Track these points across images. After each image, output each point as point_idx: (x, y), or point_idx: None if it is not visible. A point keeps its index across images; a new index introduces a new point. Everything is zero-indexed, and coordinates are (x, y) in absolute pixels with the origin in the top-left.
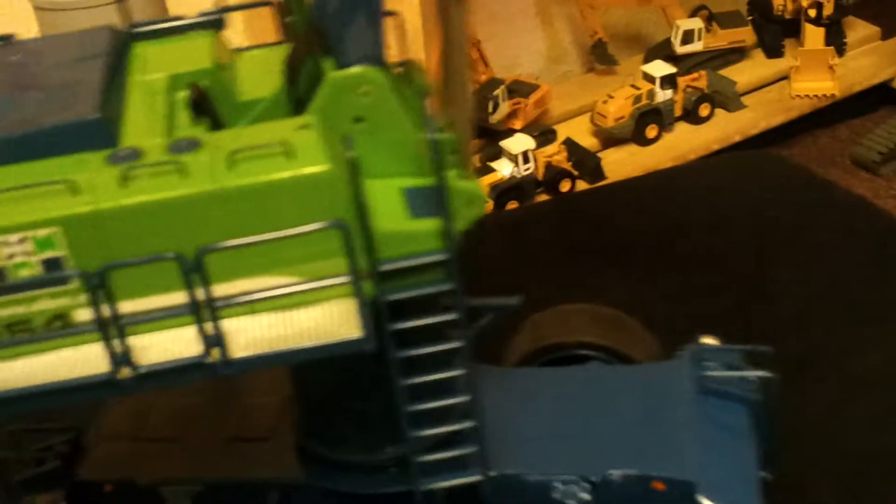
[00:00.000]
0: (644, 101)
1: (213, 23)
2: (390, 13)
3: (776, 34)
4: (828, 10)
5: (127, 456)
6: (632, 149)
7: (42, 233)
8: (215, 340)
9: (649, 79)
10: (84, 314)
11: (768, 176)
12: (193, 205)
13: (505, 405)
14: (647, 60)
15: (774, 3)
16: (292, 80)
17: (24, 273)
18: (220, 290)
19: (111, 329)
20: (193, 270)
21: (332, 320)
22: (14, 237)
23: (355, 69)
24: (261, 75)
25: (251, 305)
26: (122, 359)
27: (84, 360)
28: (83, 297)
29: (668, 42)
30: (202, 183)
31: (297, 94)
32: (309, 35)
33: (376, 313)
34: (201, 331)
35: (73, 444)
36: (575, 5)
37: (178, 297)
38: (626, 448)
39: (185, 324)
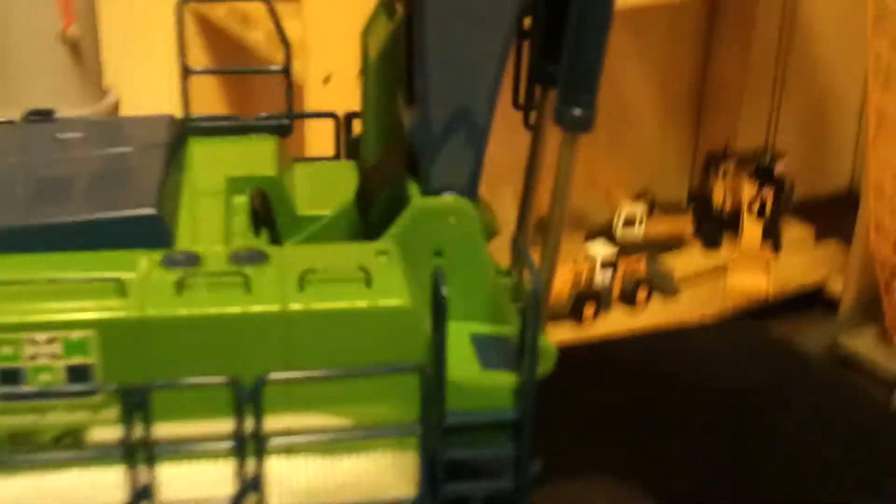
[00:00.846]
0: (584, 281)
1: (278, 128)
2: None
3: (715, 226)
4: (768, 207)
5: None
6: (568, 325)
7: (75, 335)
8: (253, 485)
9: (590, 259)
10: (102, 433)
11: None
12: (255, 324)
13: None
14: (588, 241)
15: (714, 196)
16: (365, 200)
17: (44, 378)
18: (265, 424)
19: (138, 455)
20: (248, 401)
21: (383, 474)
22: (42, 336)
23: (445, 198)
24: (321, 190)
25: (290, 446)
26: (143, 492)
27: (93, 484)
28: (106, 414)
29: (610, 225)
30: (268, 301)
31: (370, 216)
32: (394, 154)
33: (431, 471)
34: (240, 471)
35: None
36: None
37: (218, 426)
38: None
39: (214, 457)
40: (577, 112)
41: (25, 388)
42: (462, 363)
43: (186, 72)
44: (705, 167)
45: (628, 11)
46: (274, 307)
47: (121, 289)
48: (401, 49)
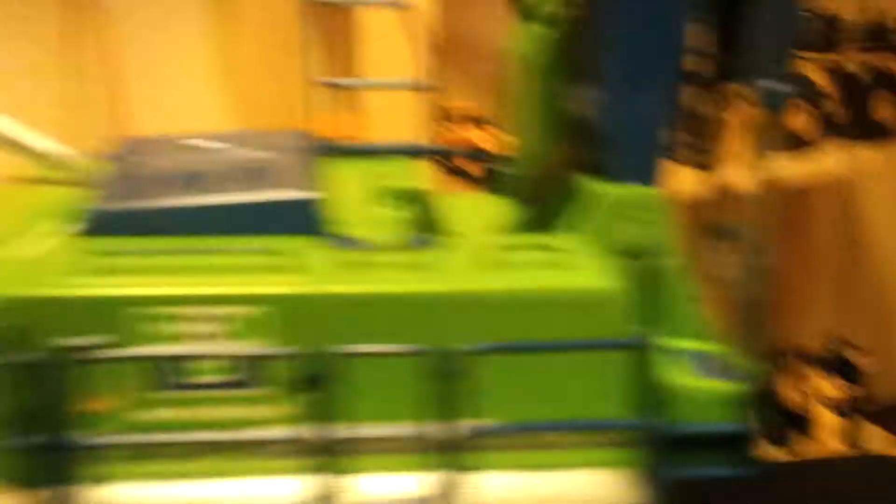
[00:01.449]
0: None
1: (413, 153)
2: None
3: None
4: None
5: None
6: None
7: (247, 312)
8: (456, 484)
9: None
10: (277, 432)
11: None
12: (441, 306)
13: None
14: None
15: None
16: (533, 203)
17: (208, 365)
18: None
19: (323, 452)
20: (452, 374)
21: (595, 490)
22: (210, 311)
23: (638, 189)
24: (465, 214)
25: (491, 457)
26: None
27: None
28: (282, 409)
29: None
30: (454, 282)
31: (540, 215)
32: (565, 156)
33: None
34: (445, 469)
35: None
36: None
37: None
38: None
39: (400, 468)
40: (773, 86)
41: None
42: (677, 370)
43: (310, 83)
44: (775, 362)
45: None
46: (466, 288)
47: (294, 262)
48: (574, 43)
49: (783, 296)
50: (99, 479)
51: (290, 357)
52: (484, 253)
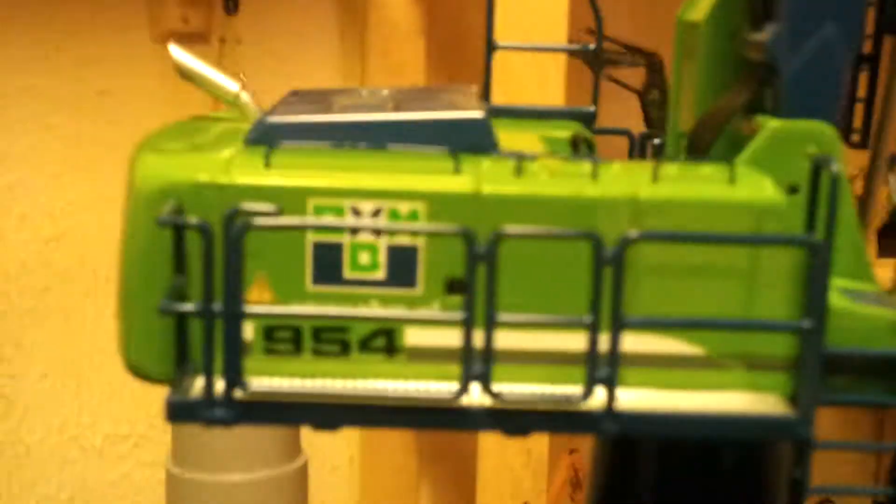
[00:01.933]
0: None
1: (582, 116)
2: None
3: None
4: None
5: None
6: None
7: (404, 207)
8: (606, 378)
9: None
10: (424, 336)
11: None
12: (607, 211)
13: None
14: None
15: None
16: (698, 149)
17: (364, 259)
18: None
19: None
20: (610, 262)
21: (749, 402)
22: (369, 205)
23: (807, 121)
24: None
25: (637, 373)
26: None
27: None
28: (427, 311)
29: None
30: (620, 188)
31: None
32: (732, 96)
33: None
34: (593, 357)
35: None
36: None
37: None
38: None
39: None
40: None
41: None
42: (834, 297)
43: (491, 47)
44: None
45: None
46: (628, 193)
47: (456, 167)
48: None
49: None
50: (251, 372)
51: (460, 235)
52: (644, 168)
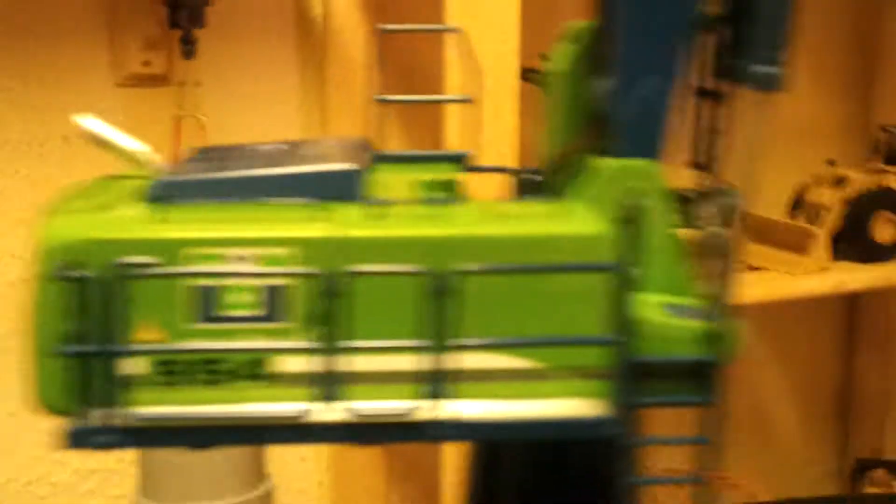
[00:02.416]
0: None
1: (458, 157)
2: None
3: None
4: None
5: None
6: None
7: (277, 253)
8: (437, 391)
9: None
10: (293, 363)
11: None
12: (449, 248)
13: None
14: None
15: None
16: (551, 184)
17: (241, 299)
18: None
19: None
20: (443, 294)
21: (569, 407)
22: (245, 252)
23: (635, 160)
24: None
25: (473, 386)
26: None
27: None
28: (297, 341)
29: None
30: (462, 228)
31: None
32: (580, 140)
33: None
34: (427, 374)
35: None
36: None
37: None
38: None
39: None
40: (767, 69)
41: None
42: (649, 311)
43: (378, 100)
44: (853, 474)
45: (766, 311)
46: (468, 232)
47: (321, 216)
48: (596, 31)
49: (865, 400)
50: (136, 402)
51: (307, 276)
52: (490, 208)
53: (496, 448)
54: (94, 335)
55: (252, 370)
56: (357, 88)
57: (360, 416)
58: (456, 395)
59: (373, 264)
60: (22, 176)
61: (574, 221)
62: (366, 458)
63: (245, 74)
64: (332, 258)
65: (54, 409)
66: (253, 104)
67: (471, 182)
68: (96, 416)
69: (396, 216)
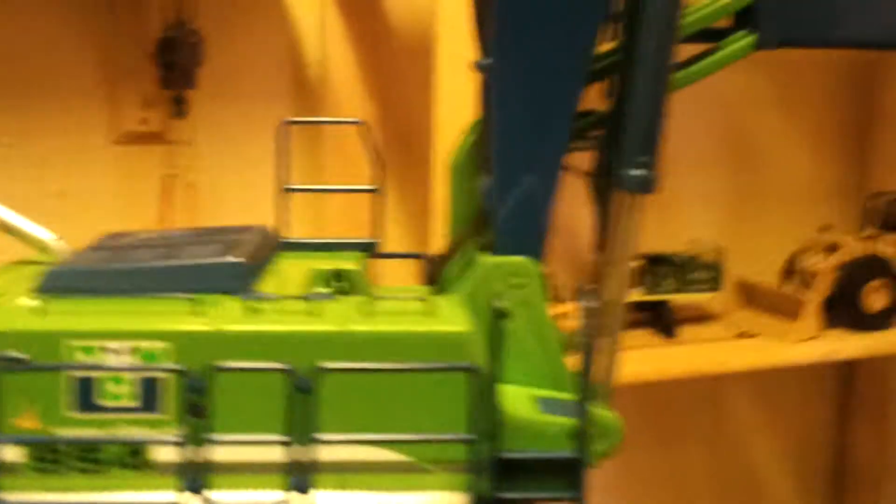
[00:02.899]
0: None
1: (365, 247)
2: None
3: None
4: None
5: None
6: None
7: (152, 346)
8: (302, 483)
9: None
10: (165, 453)
11: None
12: (318, 344)
13: None
14: None
15: None
16: (442, 270)
17: (116, 390)
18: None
19: (194, 460)
20: (304, 390)
21: (435, 500)
22: (121, 345)
23: (512, 258)
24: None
25: (343, 478)
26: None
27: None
28: (169, 432)
29: None
30: (332, 324)
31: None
32: (473, 229)
33: None
34: (293, 466)
35: None
36: None
37: (272, 453)
38: None
39: (268, 485)
40: (640, 173)
41: (102, 401)
42: (521, 406)
43: (284, 189)
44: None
45: (758, 377)
46: (336, 328)
47: (199, 310)
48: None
49: (860, 474)
50: (11, 488)
51: (174, 372)
52: (367, 304)
53: None
54: None
55: (127, 459)
56: (352, 149)
57: None
58: (323, 486)
59: (243, 360)
60: None
61: (442, 319)
62: None
63: (238, 133)
64: (205, 352)
65: None
66: (246, 164)
67: (381, 268)
68: None
69: (273, 311)
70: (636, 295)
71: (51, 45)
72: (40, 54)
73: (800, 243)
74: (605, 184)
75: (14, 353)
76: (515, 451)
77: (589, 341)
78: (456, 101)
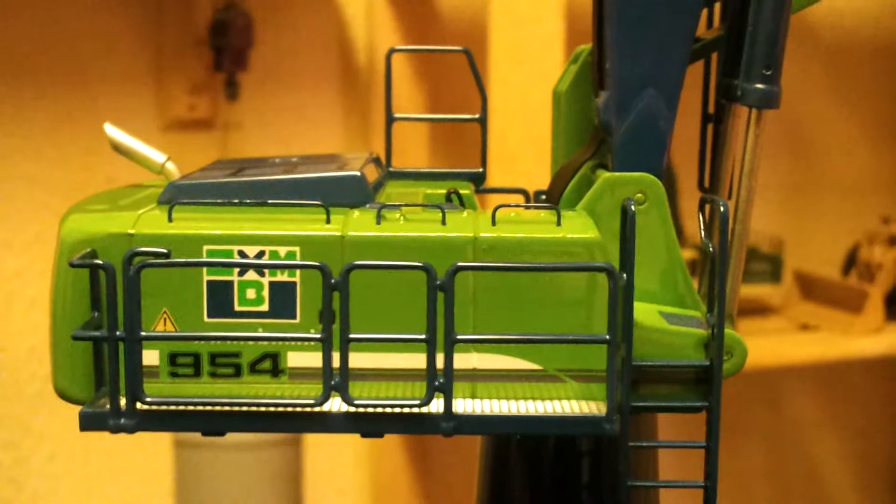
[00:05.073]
0: None
1: (473, 176)
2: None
3: None
4: None
5: None
6: None
7: (283, 251)
8: (442, 382)
9: None
10: (302, 358)
11: None
12: (449, 249)
13: None
14: None
15: None
16: (556, 194)
17: (250, 293)
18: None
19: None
20: (442, 288)
21: (569, 407)
22: (253, 249)
23: (634, 173)
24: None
25: (474, 386)
26: (338, 385)
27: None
28: (306, 334)
29: None
30: (461, 230)
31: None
32: (587, 150)
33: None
34: (431, 369)
35: None
36: None
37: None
38: None
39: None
40: (762, 86)
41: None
42: (648, 317)
43: (391, 118)
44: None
45: (819, 372)
46: (466, 234)
47: (326, 217)
48: (595, 43)
49: None
50: (150, 389)
51: (315, 269)
52: (487, 214)
53: (505, 451)
54: (110, 324)
55: (263, 365)
56: (400, 133)
57: (362, 408)
58: (459, 394)
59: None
60: None
61: (570, 227)
62: (405, 488)
63: (288, 117)
64: (336, 257)
65: (71, 395)
66: (296, 148)
67: (483, 201)
68: (111, 401)
69: (398, 219)
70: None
71: (99, 30)
72: (89, 40)
73: (860, 235)
74: (724, 105)
75: (155, 249)
76: (649, 360)
77: (722, 251)
78: (508, 91)
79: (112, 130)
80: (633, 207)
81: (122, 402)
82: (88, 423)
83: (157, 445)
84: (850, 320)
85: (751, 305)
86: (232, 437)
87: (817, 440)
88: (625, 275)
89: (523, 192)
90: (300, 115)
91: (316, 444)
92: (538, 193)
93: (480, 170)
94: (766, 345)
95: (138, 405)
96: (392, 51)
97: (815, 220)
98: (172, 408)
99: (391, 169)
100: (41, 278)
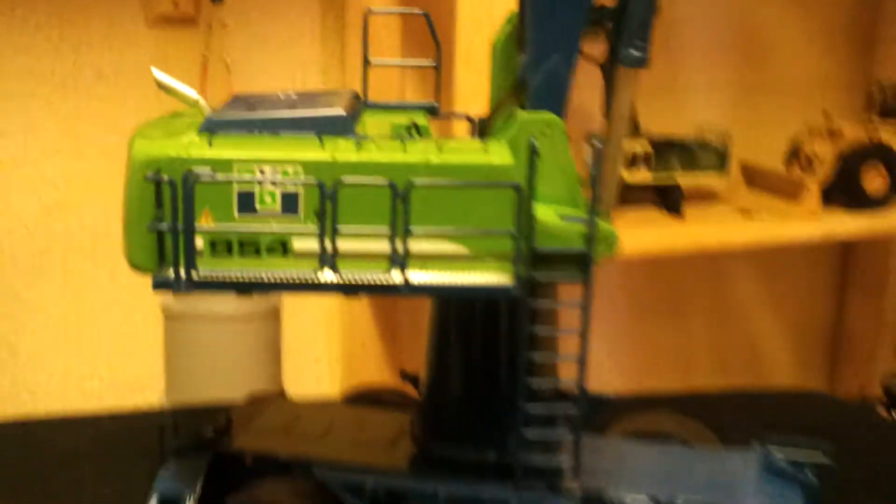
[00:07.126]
0: None
1: (430, 109)
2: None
3: None
4: None
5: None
6: None
7: (290, 169)
8: (401, 260)
9: None
10: (303, 243)
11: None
12: (408, 169)
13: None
14: None
15: None
16: (487, 125)
17: (268, 200)
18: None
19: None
20: (401, 197)
21: (488, 279)
22: (270, 168)
23: (543, 114)
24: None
25: (424, 263)
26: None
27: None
28: (305, 226)
29: None
30: (417, 156)
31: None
32: (511, 93)
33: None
34: (393, 252)
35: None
36: None
37: (380, 245)
38: (694, 488)
39: (376, 268)
40: (635, 52)
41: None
42: (548, 216)
43: (367, 63)
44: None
45: (760, 254)
46: (421, 159)
47: (321, 144)
48: (518, 13)
49: (855, 343)
50: (197, 264)
51: (313, 186)
52: (438, 143)
53: (445, 315)
54: (169, 220)
55: (277, 247)
56: (374, 34)
57: (349, 279)
58: (413, 268)
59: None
60: (55, 108)
61: (493, 155)
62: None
63: (268, 18)
64: (328, 174)
65: (142, 267)
66: (276, 47)
67: (438, 126)
68: (171, 273)
69: (373, 147)
70: (647, 175)
71: None
72: None
73: (803, 130)
74: (611, 65)
75: (203, 170)
76: (544, 247)
77: (597, 173)
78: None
79: (158, 73)
80: (535, 142)
81: (179, 273)
82: (160, 285)
83: (148, 319)
84: (789, 208)
85: (698, 192)
86: (218, 309)
87: (757, 317)
88: (530, 189)
89: (470, 118)
90: (280, 14)
91: (293, 318)
92: (481, 120)
93: (435, 104)
94: (711, 230)
95: (188, 276)
96: (370, 11)
97: (763, 115)
98: (214, 278)
99: (367, 103)
100: (36, 163)
